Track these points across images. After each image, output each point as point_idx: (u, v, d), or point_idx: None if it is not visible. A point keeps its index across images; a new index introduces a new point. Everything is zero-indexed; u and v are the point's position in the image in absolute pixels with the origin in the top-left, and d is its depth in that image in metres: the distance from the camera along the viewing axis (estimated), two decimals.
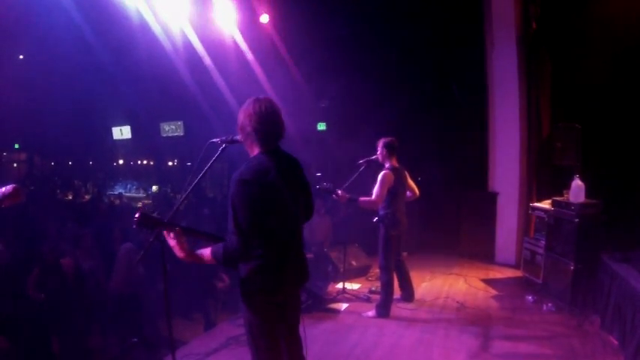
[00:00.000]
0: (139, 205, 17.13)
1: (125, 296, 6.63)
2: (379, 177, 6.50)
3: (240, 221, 3.06)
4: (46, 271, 6.43)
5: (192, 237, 3.39)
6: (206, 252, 3.25)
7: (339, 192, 6.61)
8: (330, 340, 5.85)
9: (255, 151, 3.32)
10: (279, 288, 3.33)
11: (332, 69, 11.32)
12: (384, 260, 6.67)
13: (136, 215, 3.13)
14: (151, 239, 3.33)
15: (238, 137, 3.41)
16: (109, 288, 6.93)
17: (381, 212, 6.64)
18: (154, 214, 3.27)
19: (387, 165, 6.64)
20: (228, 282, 7.63)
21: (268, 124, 3.27)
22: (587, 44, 7.99)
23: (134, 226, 3.13)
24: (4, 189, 2.54)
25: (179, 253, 3.28)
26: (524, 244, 8.23)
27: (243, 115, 3.30)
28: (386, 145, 6.68)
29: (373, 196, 6.45)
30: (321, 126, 13.38)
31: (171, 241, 3.27)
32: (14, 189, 2.55)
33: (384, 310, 6.60)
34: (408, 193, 6.93)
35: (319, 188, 6.61)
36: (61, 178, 24.25)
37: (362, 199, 6.53)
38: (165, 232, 3.26)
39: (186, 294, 7.14)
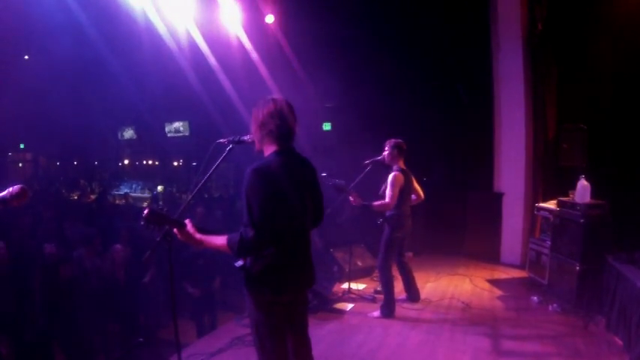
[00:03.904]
0: (145, 205, 17.15)
1: (117, 293, 6.70)
2: (390, 178, 6.50)
3: (254, 214, 3.07)
4: (45, 274, 6.44)
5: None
6: (219, 239, 3.25)
7: (354, 196, 6.62)
8: (336, 340, 5.87)
9: (269, 149, 3.35)
10: (286, 288, 3.34)
11: (337, 69, 11.32)
12: (383, 260, 6.70)
13: (145, 212, 3.15)
14: (157, 239, 3.35)
15: (246, 137, 3.46)
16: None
17: (387, 214, 6.66)
18: (163, 211, 3.28)
19: (395, 167, 6.65)
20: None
21: (288, 123, 3.34)
22: (593, 45, 7.98)
23: (142, 223, 3.15)
24: (11, 189, 2.55)
25: (190, 243, 3.35)
26: (530, 245, 8.23)
27: (263, 114, 3.34)
28: (395, 146, 6.68)
29: (387, 199, 6.44)
30: (327, 126, 13.36)
31: (181, 237, 3.33)
32: (21, 189, 2.55)
33: (387, 309, 6.61)
34: (412, 196, 6.94)
35: (332, 185, 6.61)
36: (66, 178, 24.27)
37: (375, 203, 6.52)
38: (175, 230, 3.30)
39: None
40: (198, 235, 3.32)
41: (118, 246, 7.09)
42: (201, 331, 7.30)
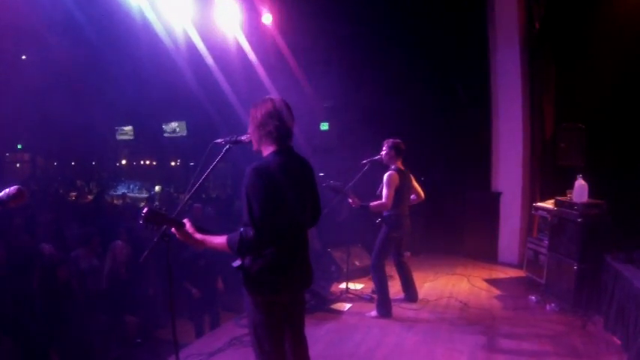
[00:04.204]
0: (142, 204, 17.14)
1: (116, 293, 6.67)
2: (385, 178, 6.49)
3: (254, 213, 3.07)
4: (44, 276, 6.42)
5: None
6: (219, 239, 3.25)
7: (352, 197, 6.63)
8: (334, 340, 5.86)
9: (268, 149, 3.36)
10: (285, 288, 3.34)
11: (335, 69, 11.32)
12: (376, 259, 6.71)
13: (144, 210, 3.14)
14: (155, 239, 3.34)
15: (243, 137, 3.46)
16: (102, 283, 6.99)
17: (385, 213, 6.65)
18: (162, 210, 3.27)
19: (392, 166, 6.64)
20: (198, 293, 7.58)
21: (286, 123, 3.36)
22: (591, 44, 7.98)
23: (140, 222, 3.14)
24: (7, 190, 2.53)
25: (189, 243, 3.33)
26: (528, 244, 8.23)
27: (262, 114, 3.34)
28: (393, 147, 6.66)
29: (383, 199, 6.44)
30: (324, 126, 13.36)
31: (180, 236, 3.31)
32: (18, 190, 2.53)
33: (384, 308, 6.60)
34: (412, 196, 6.94)
35: (326, 186, 6.60)
36: (63, 178, 24.27)
37: (373, 204, 6.52)
38: (173, 230, 3.29)
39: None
40: (197, 235, 3.31)
41: (119, 242, 7.04)
42: (201, 331, 7.27)
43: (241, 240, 3.09)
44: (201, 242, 3.30)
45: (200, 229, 3.36)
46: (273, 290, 3.28)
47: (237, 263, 3.27)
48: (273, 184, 3.14)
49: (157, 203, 14.68)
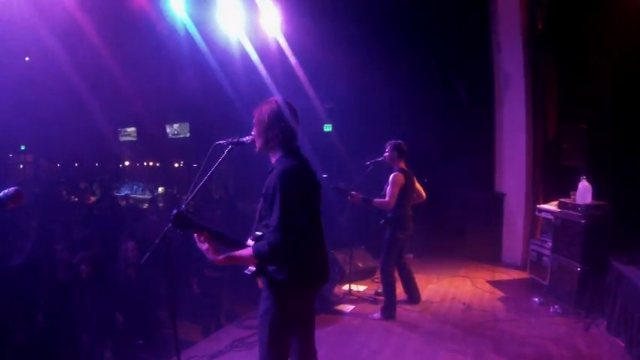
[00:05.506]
0: (145, 206, 17.16)
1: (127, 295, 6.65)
2: (391, 178, 6.52)
3: (285, 216, 3.06)
4: (57, 276, 6.39)
5: (218, 242, 3.36)
6: (244, 252, 3.22)
7: (353, 193, 6.65)
8: (336, 342, 5.85)
9: (277, 151, 3.37)
10: (309, 284, 3.37)
11: (338, 70, 11.31)
12: (385, 262, 6.72)
13: (173, 212, 3.12)
14: (156, 240, 3.33)
15: (245, 139, 3.45)
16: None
17: (390, 215, 6.65)
18: (189, 214, 3.24)
19: (396, 167, 6.65)
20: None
21: (293, 125, 3.37)
22: (594, 44, 7.95)
23: (170, 225, 3.12)
24: (6, 191, 2.55)
25: (212, 256, 3.25)
26: (531, 246, 8.21)
27: (269, 116, 3.34)
28: (396, 148, 6.69)
29: (387, 197, 6.46)
30: (327, 127, 13.34)
31: (203, 245, 3.25)
32: (16, 191, 2.55)
33: (388, 311, 6.60)
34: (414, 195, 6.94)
35: (334, 188, 6.63)
36: (66, 179, 24.23)
37: (376, 200, 6.57)
38: (196, 236, 3.27)
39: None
40: (223, 255, 3.27)
41: (131, 243, 7.02)
42: (208, 332, 7.22)
43: (271, 248, 3.04)
44: (229, 260, 3.26)
45: (216, 234, 3.34)
46: (299, 289, 3.31)
47: (251, 270, 3.25)
48: (301, 187, 3.18)
49: (160, 204, 14.70)
